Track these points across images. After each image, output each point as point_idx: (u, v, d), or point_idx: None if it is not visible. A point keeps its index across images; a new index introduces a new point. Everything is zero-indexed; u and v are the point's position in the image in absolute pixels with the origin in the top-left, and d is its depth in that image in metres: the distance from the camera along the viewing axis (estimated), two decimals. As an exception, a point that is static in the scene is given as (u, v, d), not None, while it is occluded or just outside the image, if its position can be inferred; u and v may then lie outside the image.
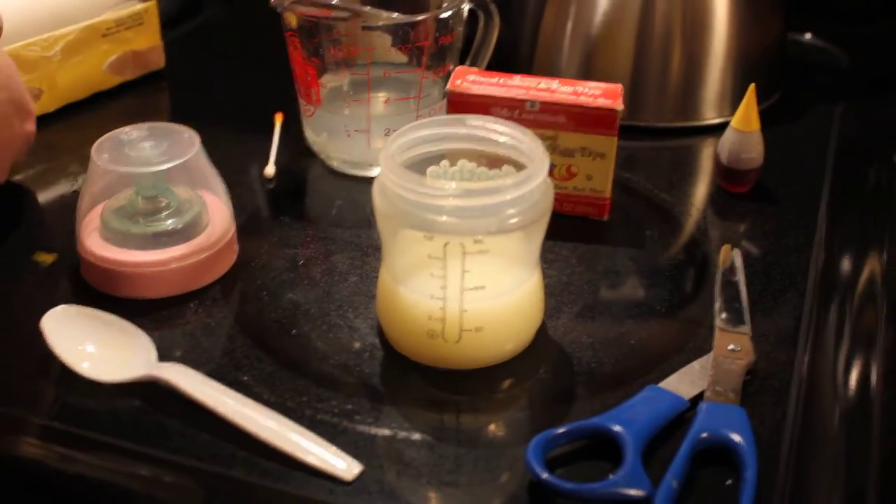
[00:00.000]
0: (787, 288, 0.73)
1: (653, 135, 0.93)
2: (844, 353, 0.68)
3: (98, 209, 0.72)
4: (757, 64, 0.95)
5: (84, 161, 0.71)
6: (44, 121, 0.93)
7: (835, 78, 1.07)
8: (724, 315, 0.68)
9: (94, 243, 0.71)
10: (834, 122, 0.96)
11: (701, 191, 0.86)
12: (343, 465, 0.57)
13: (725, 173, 0.83)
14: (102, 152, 0.70)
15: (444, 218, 0.59)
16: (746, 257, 0.75)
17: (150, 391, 0.62)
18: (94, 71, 0.97)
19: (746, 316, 0.68)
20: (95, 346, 0.64)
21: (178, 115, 0.76)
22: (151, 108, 1.01)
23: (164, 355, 0.64)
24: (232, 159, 0.85)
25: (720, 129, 0.86)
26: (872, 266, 0.77)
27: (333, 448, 0.58)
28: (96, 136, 0.72)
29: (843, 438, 0.62)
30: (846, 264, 0.77)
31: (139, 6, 0.99)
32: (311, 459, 0.57)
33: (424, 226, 0.60)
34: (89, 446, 0.59)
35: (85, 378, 0.62)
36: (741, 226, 0.81)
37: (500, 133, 0.65)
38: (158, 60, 1.03)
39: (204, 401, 0.60)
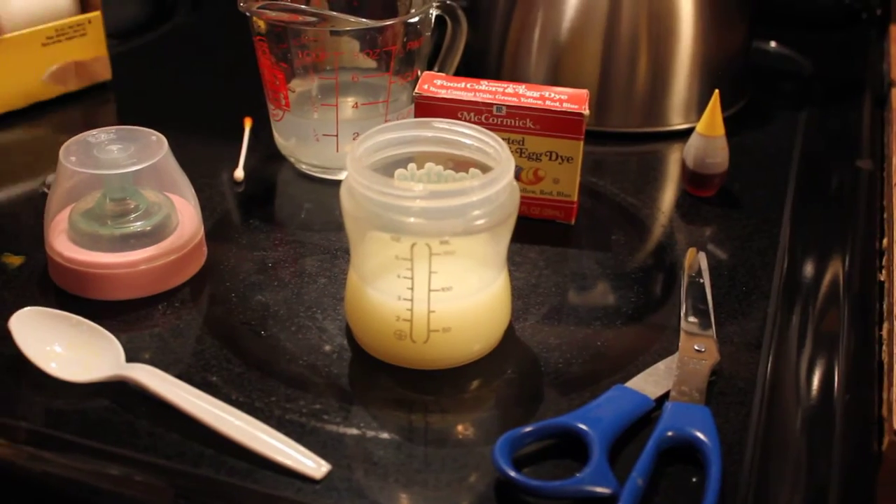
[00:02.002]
0: (751, 291, 0.74)
1: (620, 140, 0.94)
2: (807, 355, 0.69)
3: (66, 211, 0.72)
4: (722, 71, 0.96)
5: (52, 163, 0.71)
6: (9, 122, 0.93)
7: (799, 85, 1.08)
8: (689, 317, 0.69)
9: (63, 245, 0.71)
10: (798, 128, 0.97)
11: (667, 195, 0.87)
12: (311, 464, 0.57)
13: (691, 178, 0.84)
14: (70, 154, 0.70)
15: (411, 219, 0.60)
16: (712, 260, 0.76)
17: (119, 392, 0.62)
18: (33, 80, 0.96)
19: (712, 318, 0.69)
20: (63, 347, 0.64)
21: (148, 119, 0.76)
22: (121, 112, 1.01)
23: (132, 357, 0.64)
24: (201, 163, 0.85)
25: (686, 134, 0.86)
26: (835, 269, 0.78)
27: (301, 447, 0.58)
28: (64, 138, 0.72)
29: (806, 438, 0.62)
30: (809, 268, 0.78)
31: (82, 16, 0.97)
32: (280, 458, 0.57)
33: (391, 227, 0.60)
34: (58, 446, 0.59)
35: (53, 378, 0.63)
36: (707, 230, 0.82)
37: (467, 136, 0.65)
38: (104, 72, 1.01)
39: (172, 400, 0.60)
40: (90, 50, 0.99)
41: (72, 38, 0.97)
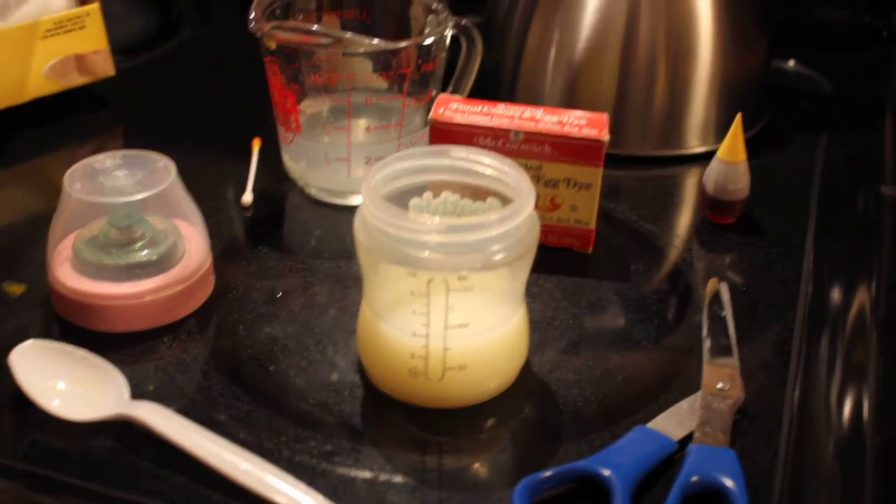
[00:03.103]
0: (775, 322, 0.71)
1: (636, 164, 0.92)
2: (835, 391, 0.67)
3: (70, 239, 0.70)
4: (741, 92, 0.94)
5: (56, 188, 0.69)
6: (10, 145, 0.91)
7: (819, 105, 1.06)
8: (711, 351, 0.67)
9: (66, 274, 0.69)
10: (819, 151, 0.95)
11: (686, 222, 0.85)
12: (322, 510, 0.55)
13: (711, 204, 0.82)
14: (75, 181, 0.68)
15: (428, 254, 0.58)
16: (733, 290, 0.73)
17: (123, 430, 0.60)
18: (33, 75, 0.94)
19: (735, 351, 0.67)
20: (66, 383, 0.62)
21: (154, 139, 0.74)
22: (126, 132, 0.98)
23: (137, 392, 0.62)
24: (208, 186, 0.84)
25: (704, 158, 0.85)
26: (862, 298, 0.75)
27: (312, 491, 0.56)
28: (68, 162, 0.70)
29: (838, 479, 0.60)
30: (835, 296, 0.76)
31: (80, 9, 0.95)
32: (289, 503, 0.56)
33: (407, 261, 0.58)
34: (59, 489, 0.57)
35: (55, 417, 0.60)
36: (727, 258, 0.79)
37: (485, 165, 0.63)
38: (106, 66, 0.99)
39: (178, 441, 0.58)
40: (90, 43, 0.97)
41: (70, 31, 0.95)
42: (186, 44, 1.18)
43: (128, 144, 0.71)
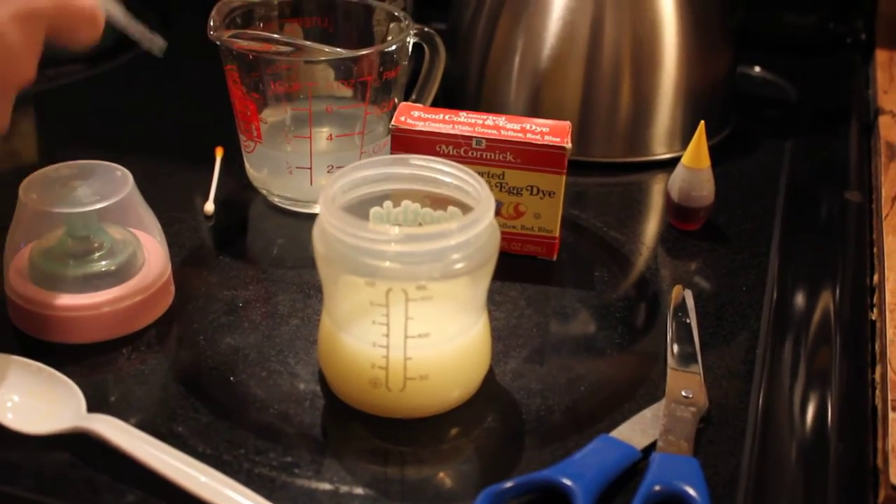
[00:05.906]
0: (739, 330, 0.71)
1: (602, 170, 0.91)
2: (798, 400, 0.67)
3: (27, 250, 0.69)
4: (706, 98, 0.94)
5: (11, 198, 0.68)
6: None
7: (784, 111, 1.06)
8: (676, 359, 0.67)
9: (22, 285, 0.68)
10: (784, 158, 0.95)
11: (651, 228, 0.84)
12: (281, 524, 0.55)
13: (676, 211, 0.82)
14: (31, 191, 0.67)
15: (387, 264, 0.57)
16: (698, 297, 0.73)
17: (79, 444, 0.59)
18: None
19: (699, 361, 0.67)
20: (20, 396, 0.61)
21: (115, 148, 0.73)
22: (86, 141, 0.97)
23: (94, 405, 0.61)
24: (170, 195, 0.83)
25: (670, 164, 0.84)
26: (825, 307, 0.75)
27: (271, 504, 0.56)
28: (24, 170, 0.69)
29: (801, 486, 0.60)
30: (800, 302, 0.76)
31: None
32: (248, 517, 0.55)
33: (366, 272, 0.58)
34: (13, 504, 0.57)
35: (9, 430, 0.59)
36: (692, 264, 0.79)
37: (445, 173, 0.63)
38: None
39: (135, 454, 0.57)
40: None
41: None
42: (148, 53, 1.17)
43: (89, 155, 0.70)
